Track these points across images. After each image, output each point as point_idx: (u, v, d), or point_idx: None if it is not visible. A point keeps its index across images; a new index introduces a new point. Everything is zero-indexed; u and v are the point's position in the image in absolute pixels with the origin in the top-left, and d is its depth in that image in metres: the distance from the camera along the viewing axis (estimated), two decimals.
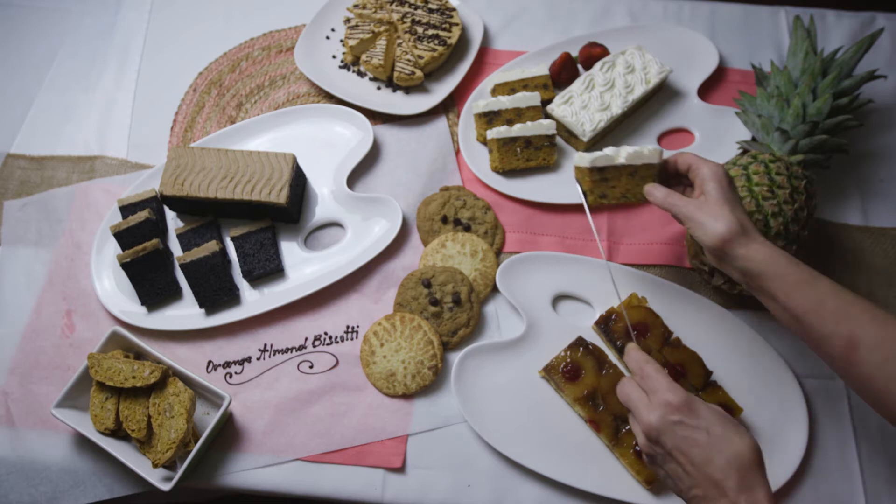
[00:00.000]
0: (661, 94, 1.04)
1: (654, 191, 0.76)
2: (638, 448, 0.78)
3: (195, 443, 0.79)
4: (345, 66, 1.08)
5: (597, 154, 0.79)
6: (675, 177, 0.80)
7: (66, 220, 0.97)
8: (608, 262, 0.79)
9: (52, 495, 0.82)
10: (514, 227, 0.96)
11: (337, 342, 0.89)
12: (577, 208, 0.96)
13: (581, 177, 0.82)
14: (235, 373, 0.88)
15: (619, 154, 0.78)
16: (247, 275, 0.91)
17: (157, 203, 0.96)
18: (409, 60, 1.03)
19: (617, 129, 1.02)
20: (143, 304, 0.90)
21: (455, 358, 0.86)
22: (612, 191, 0.81)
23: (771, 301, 0.70)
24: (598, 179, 0.80)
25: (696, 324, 0.87)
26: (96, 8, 1.16)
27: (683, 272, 0.93)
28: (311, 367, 0.88)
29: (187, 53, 1.11)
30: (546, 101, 1.01)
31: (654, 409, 0.64)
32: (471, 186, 0.99)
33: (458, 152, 1.02)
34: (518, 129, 0.95)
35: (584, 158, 0.80)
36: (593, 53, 1.03)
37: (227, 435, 0.84)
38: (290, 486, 0.82)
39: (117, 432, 0.81)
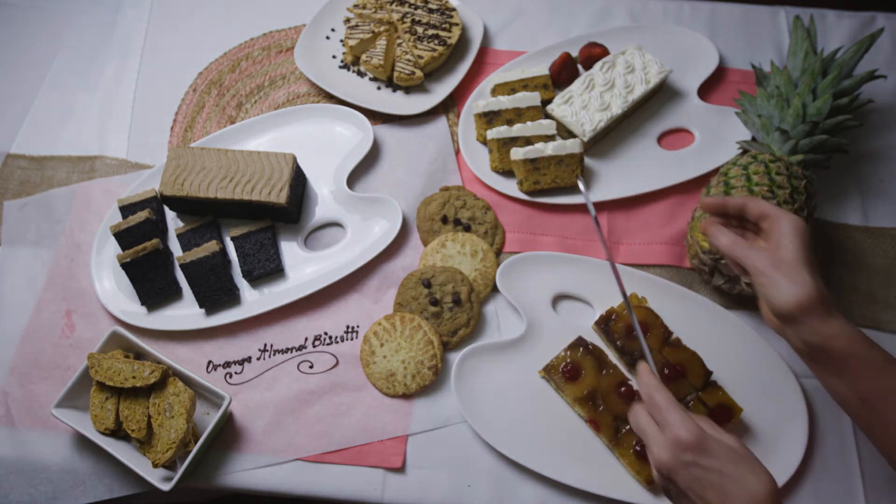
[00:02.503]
0: (661, 94, 1.04)
1: (720, 235, 0.69)
2: (638, 448, 0.79)
3: (195, 443, 0.79)
4: (345, 66, 1.08)
5: (528, 147, 0.92)
6: (736, 218, 0.74)
7: (66, 220, 0.97)
8: (611, 262, 0.78)
9: (52, 495, 0.82)
10: (514, 227, 0.96)
11: (337, 342, 0.89)
12: (577, 208, 0.96)
13: (517, 168, 0.94)
14: (235, 373, 0.88)
15: (547, 146, 0.92)
16: (247, 275, 0.91)
17: (157, 203, 0.96)
18: (409, 60, 1.03)
19: (617, 129, 1.02)
20: (143, 304, 0.90)
21: (455, 358, 0.86)
22: (544, 178, 0.94)
23: (833, 377, 0.65)
24: (532, 169, 0.93)
25: (696, 324, 0.87)
26: (96, 8, 1.16)
27: (683, 272, 0.93)
28: (311, 367, 0.88)
29: (187, 53, 1.11)
30: (546, 101, 1.01)
31: (665, 445, 0.61)
32: (471, 186, 0.99)
33: (458, 152, 1.01)
34: (518, 129, 0.95)
35: (517, 152, 0.93)
36: (593, 53, 1.03)
37: (227, 435, 0.84)
38: (290, 486, 0.82)
39: (117, 432, 0.81)
